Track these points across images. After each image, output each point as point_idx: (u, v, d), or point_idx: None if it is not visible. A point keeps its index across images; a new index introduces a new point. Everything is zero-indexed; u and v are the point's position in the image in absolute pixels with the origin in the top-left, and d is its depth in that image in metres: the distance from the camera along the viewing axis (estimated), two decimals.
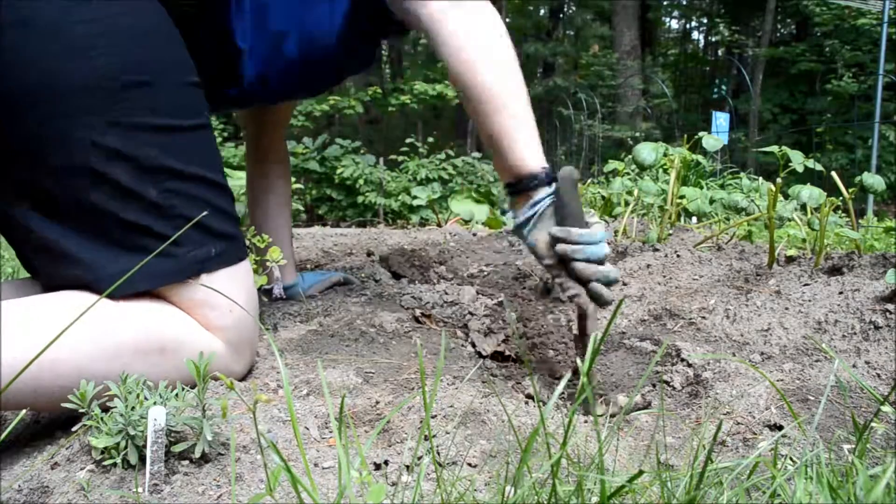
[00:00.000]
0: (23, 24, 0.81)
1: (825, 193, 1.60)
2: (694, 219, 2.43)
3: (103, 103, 0.83)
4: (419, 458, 0.71)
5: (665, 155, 1.90)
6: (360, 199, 6.40)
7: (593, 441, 0.83)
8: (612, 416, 0.94)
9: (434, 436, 0.77)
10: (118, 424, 0.68)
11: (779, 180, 1.51)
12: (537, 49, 16.24)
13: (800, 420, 0.75)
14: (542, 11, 18.08)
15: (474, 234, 2.44)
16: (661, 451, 0.81)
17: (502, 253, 2.14)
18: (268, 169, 1.49)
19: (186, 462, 0.69)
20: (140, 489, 0.65)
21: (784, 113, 13.65)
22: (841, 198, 1.54)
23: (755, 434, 0.86)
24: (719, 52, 18.51)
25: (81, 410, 0.70)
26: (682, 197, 2.15)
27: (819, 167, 1.64)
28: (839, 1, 10.37)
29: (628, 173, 2.48)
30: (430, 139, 7.26)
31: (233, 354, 0.92)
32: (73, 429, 0.73)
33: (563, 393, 1.02)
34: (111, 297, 0.83)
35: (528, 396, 1.01)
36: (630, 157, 2.02)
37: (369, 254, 2.07)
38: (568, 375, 0.62)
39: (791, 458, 0.74)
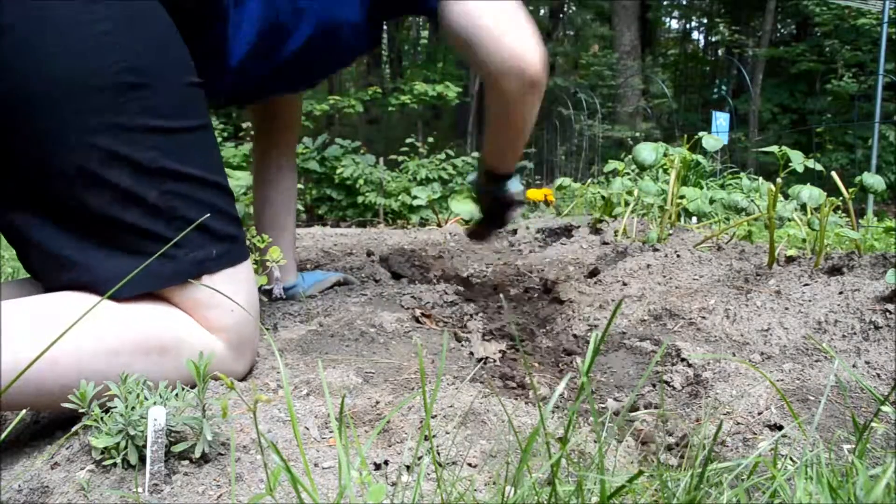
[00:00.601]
0: (25, 25, 0.81)
1: (825, 193, 1.60)
2: (694, 219, 2.43)
3: (103, 105, 0.83)
4: (419, 458, 0.71)
5: (665, 155, 1.90)
6: (360, 199, 6.39)
7: (592, 441, 0.83)
8: (616, 414, 0.94)
9: (434, 436, 0.77)
10: (118, 424, 0.68)
11: (779, 180, 1.51)
12: None
13: (800, 420, 0.75)
14: (542, 11, 18.07)
15: None
16: (660, 451, 0.81)
17: (502, 253, 2.14)
18: (276, 170, 1.50)
19: (186, 462, 0.69)
20: (140, 489, 0.65)
21: (784, 113, 13.65)
22: (841, 198, 1.54)
23: (755, 434, 0.86)
24: (719, 52, 18.51)
25: (81, 410, 0.70)
26: (682, 197, 2.15)
27: (819, 167, 1.64)
28: (839, 1, 10.36)
29: (628, 173, 2.48)
30: (430, 139, 7.26)
31: (233, 354, 0.92)
32: (73, 429, 0.72)
33: (562, 393, 1.02)
34: (111, 299, 0.83)
35: (526, 395, 1.01)
36: (630, 157, 2.02)
37: (369, 254, 2.07)
38: (568, 376, 0.62)
39: (791, 458, 0.74)
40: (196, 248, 0.88)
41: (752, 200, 2.05)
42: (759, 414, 0.90)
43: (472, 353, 1.11)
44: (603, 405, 1.00)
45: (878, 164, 7.39)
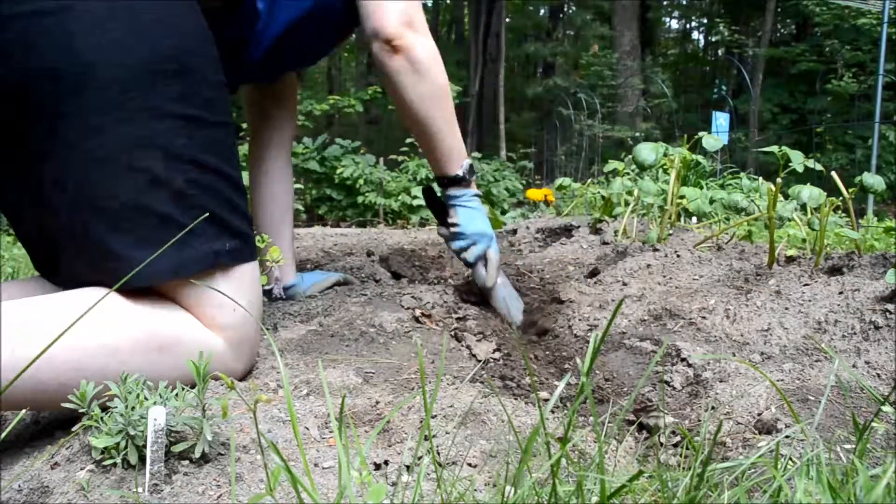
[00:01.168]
0: (67, 9, 0.82)
1: (825, 193, 1.60)
2: (694, 219, 2.43)
3: (141, 89, 0.85)
4: (419, 458, 0.71)
5: (665, 155, 1.90)
6: (360, 199, 6.39)
7: (592, 441, 0.83)
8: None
9: (434, 436, 0.77)
10: (118, 424, 0.68)
11: (779, 180, 1.51)
12: (537, 49, 16.24)
13: (800, 420, 0.75)
14: (542, 11, 18.08)
15: None
16: (660, 451, 0.81)
17: (502, 253, 2.14)
18: (271, 170, 1.51)
19: (186, 462, 0.69)
20: (140, 489, 0.65)
21: (784, 113, 13.65)
22: (841, 198, 1.53)
23: (755, 434, 0.86)
24: (719, 52, 18.50)
25: (81, 410, 0.70)
26: (682, 197, 2.15)
27: (819, 167, 1.64)
28: (839, 1, 10.36)
29: (628, 173, 2.48)
30: None
31: (233, 354, 0.93)
32: (73, 429, 0.72)
33: (562, 393, 1.02)
34: (128, 289, 0.83)
35: (526, 395, 1.01)
36: (630, 157, 2.02)
37: (369, 254, 2.07)
38: (568, 376, 0.62)
39: (791, 459, 0.74)
40: (212, 239, 0.89)
41: (752, 200, 2.05)
42: (759, 414, 0.90)
43: (472, 354, 1.11)
44: (603, 405, 1.00)
45: (878, 164, 7.39)
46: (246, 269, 0.95)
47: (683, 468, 0.74)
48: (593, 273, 1.60)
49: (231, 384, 0.63)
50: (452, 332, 1.27)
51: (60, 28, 0.82)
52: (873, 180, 1.57)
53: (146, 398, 0.70)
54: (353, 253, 2.16)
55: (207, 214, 0.87)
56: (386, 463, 0.71)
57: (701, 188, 2.64)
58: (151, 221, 0.86)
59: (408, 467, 0.70)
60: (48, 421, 0.90)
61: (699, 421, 0.91)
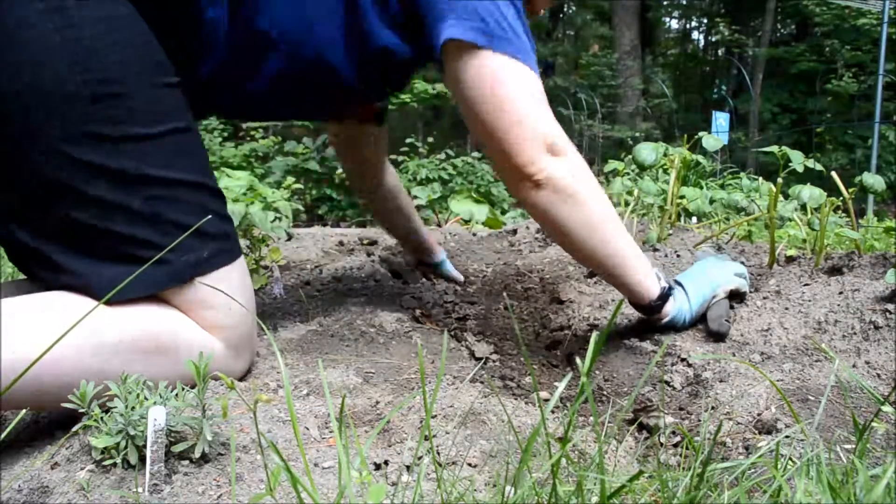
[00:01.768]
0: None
1: (825, 193, 1.59)
2: (694, 219, 2.42)
3: (76, 115, 0.83)
4: (419, 458, 0.71)
5: (665, 155, 1.89)
6: (360, 199, 6.38)
7: (592, 441, 0.83)
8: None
9: (434, 436, 0.77)
10: (118, 424, 0.68)
11: (779, 180, 1.51)
12: (537, 49, 16.23)
13: (800, 420, 0.75)
14: (542, 11, 18.05)
15: (474, 234, 2.44)
16: (660, 451, 0.81)
17: (502, 253, 2.14)
18: (386, 190, 1.61)
19: (186, 462, 0.69)
20: (140, 489, 0.65)
21: (784, 113, 13.65)
22: (841, 198, 1.53)
23: (755, 434, 0.86)
24: (719, 52, 18.51)
25: (81, 410, 0.70)
26: (682, 197, 2.15)
27: (819, 167, 1.64)
28: (839, 1, 10.36)
29: (628, 173, 2.48)
30: (430, 139, 7.26)
31: (232, 354, 0.92)
32: (73, 429, 0.72)
33: (562, 393, 1.02)
34: (108, 305, 0.83)
35: (526, 395, 1.01)
36: (630, 157, 2.02)
37: (369, 254, 2.07)
38: (568, 376, 0.62)
39: (791, 459, 0.74)
40: (188, 250, 0.88)
41: (753, 200, 2.05)
42: (759, 414, 0.90)
43: (472, 354, 1.11)
44: (603, 405, 1.00)
45: (878, 164, 7.39)
46: (232, 270, 0.94)
47: (683, 468, 0.74)
48: (593, 273, 1.60)
49: (231, 384, 0.63)
50: (452, 332, 1.27)
51: None
52: (873, 180, 1.57)
53: (146, 398, 0.70)
54: (353, 253, 2.16)
55: (186, 233, 0.85)
56: (386, 463, 0.71)
57: (701, 188, 2.64)
58: (112, 243, 0.85)
59: (408, 467, 0.70)
60: (48, 421, 0.90)
61: (699, 421, 0.91)
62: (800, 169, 1.56)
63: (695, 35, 20.62)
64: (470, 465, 0.72)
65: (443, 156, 6.89)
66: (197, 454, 0.68)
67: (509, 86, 1.00)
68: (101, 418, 0.69)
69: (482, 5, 0.99)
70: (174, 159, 0.90)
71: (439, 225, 3.36)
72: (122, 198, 0.85)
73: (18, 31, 0.81)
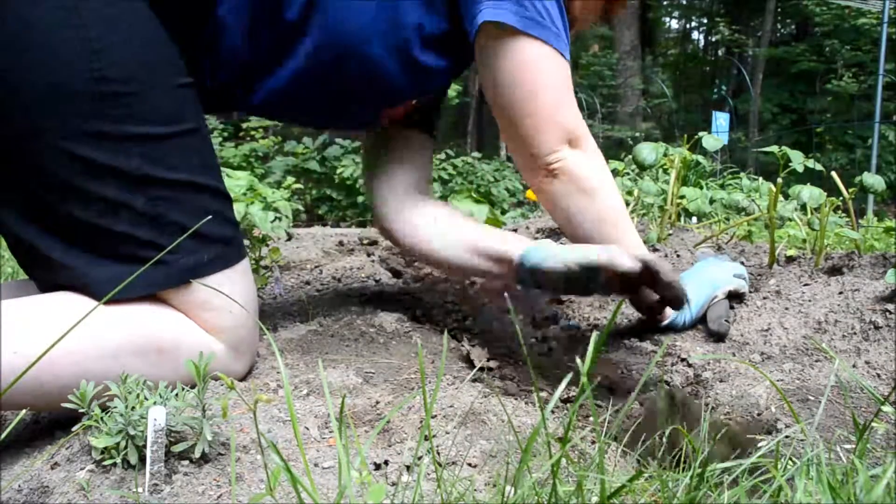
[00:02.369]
0: (7, 31, 0.80)
1: (825, 193, 1.60)
2: (694, 219, 2.43)
3: (84, 114, 0.82)
4: (419, 458, 0.71)
5: (665, 155, 1.90)
6: (360, 199, 6.39)
7: (592, 441, 0.83)
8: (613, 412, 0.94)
9: (434, 436, 0.77)
10: (118, 424, 0.68)
11: (779, 180, 1.51)
12: None
13: (800, 420, 0.75)
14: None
15: None
16: (660, 451, 0.81)
17: None
18: (430, 207, 1.25)
19: (186, 462, 0.69)
20: (140, 489, 0.65)
21: (784, 113, 13.65)
22: (841, 198, 1.53)
23: (755, 434, 0.86)
24: (719, 52, 18.51)
25: (81, 410, 0.70)
26: (682, 197, 2.15)
27: (819, 167, 1.64)
28: (839, 1, 10.36)
29: (628, 173, 2.48)
30: None
31: (232, 355, 0.92)
32: (73, 429, 0.73)
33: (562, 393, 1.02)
34: (106, 304, 0.83)
35: (526, 395, 1.01)
36: (630, 157, 2.02)
37: (369, 254, 2.07)
38: (569, 376, 0.62)
39: (791, 459, 0.74)
40: (188, 253, 0.88)
41: (753, 200, 2.06)
42: (759, 414, 0.90)
43: (467, 358, 1.11)
44: (603, 405, 1.00)
45: (878, 164, 7.39)
46: (234, 273, 0.94)
47: (683, 468, 0.74)
48: None
49: (231, 384, 0.63)
50: (452, 333, 1.27)
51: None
52: (873, 180, 1.57)
53: (146, 398, 0.70)
54: (353, 253, 2.16)
55: (185, 234, 0.85)
56: (386, 463, 0.71)
57: (701, 188, 2.64)
58: (112, 242, 0.85)
59: (408, 467, 0.70)
60: (48, 421, 0.89)
61: (699, 421, 0.91)
62: (800, 169, 1.56)
63: (695, 35, 20.63)
64: (470, 465, 0.72)
65: (443, 156, 6.89)
66: (197, 454, 0.68)
67: (542, 73, 1.00)
68: (101, 418, 0.69)
69: None
70: (181, 160, 0.89)
71: None
72: (125, 197, 0.84)
73: (29, 27, 0.81)
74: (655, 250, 1.69)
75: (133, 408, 0.69)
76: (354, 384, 0.94)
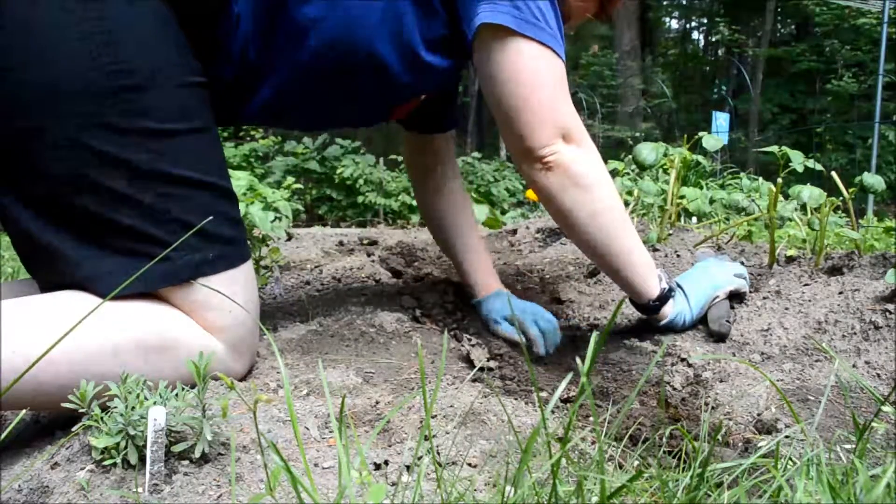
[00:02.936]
0: (22, 24, 0.81)
1: (825, 193, 1.60)
2: (694, 219, 2.43)
3: (97, 107, 0.83)
4: (419, 458, 0.71)
5: (665, 155, 1.90)
6: (360, 199, 6.40)
7: (592, 441, 0.83)
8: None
9: (434, 436, 0.77)
10: (118, 424, 0.68)
11: (779, 180, 1.51)
12: None
13: (800, 420, 0.75)
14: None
15: None
16: (660, 451, 0.80)
17: (502, 253, 2.14)
18: (448, 194, 1.39)
19: (186, 462, 0.69)
20: (140, 489, 0.65)
21: (784, 113, 13.66)
22: (841, 198, 1.53)
23: (755, 434, 0.86)
24: (719, 52, 18.51)
25: (81, 410, 0.70)
26: (682, 197, 2.15)
27: (819, 167, 1.64)
28: (839, 1, 10.36)
29: (628, 173, 2.48)
30: None
31: (232, 355, 0.92)
32: (73, 429, 0.73)
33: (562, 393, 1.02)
34: (103, 297, 0.83)
35: (526, 395, 1.00)
36: (630, 157, 2.02)
37: (369, 254, 2.07)
38: (569, 376, 0.62)
39: (791, 459, 0.74)
40: (192, 250, 0.88)
41: (753, 200, 2.06)
42: (759, 414, 0.90)
43: (467, 358, 1.11)
44: (603, 405, 1.00)
45: (878, 164, 7.39)
46: (237, 273, 0.94)
47: (683, 468, 0.74)
48: (593, 273, 1.60)
49: (231, 384, 0.63)
50: (452, 333, 1.27)
51: (14, 45, 0.80)
52: (873, 180, 1.57)
53: (146, 398, 0.70)
54: (353, 253, 2.16)
55: (184, 229, 0.85)
56: (386, 463, 0.71)
57: (701, 188, 2.64)
58: (117, 235, 0.85)
59: (408, 467, 0.70)
60: (48, 421, 0.90)
61: (699, 421, 0.91)
62: (800, 169, 1.56)
63: (695, 35, 20.63)
64: (470, 465, 0.72)
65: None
66: (197, 454, 0.68)
67: (536, 71, 1.03)
68: (101, 418, 0.69)
69: None
70: (191, 158, 0.90)
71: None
72: (134, 191, 0.85)
73: (44, 21, 0.82)
74: (655, 250, 1.69)
75: (133, 408, 0.68)
76: (354, 384, 0.94)
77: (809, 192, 1.59)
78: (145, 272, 0.78)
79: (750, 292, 1.31)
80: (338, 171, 6.45)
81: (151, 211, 0.86)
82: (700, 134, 1.89)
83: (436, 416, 0.83)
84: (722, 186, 3.01)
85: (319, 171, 6.57)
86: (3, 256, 2.49)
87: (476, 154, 7.81)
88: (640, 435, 0.87)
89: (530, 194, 3.89)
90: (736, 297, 1.28)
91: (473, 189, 6.76)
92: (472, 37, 1.04)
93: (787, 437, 0.81)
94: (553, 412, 0.94)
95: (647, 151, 1.83)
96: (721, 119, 6.93)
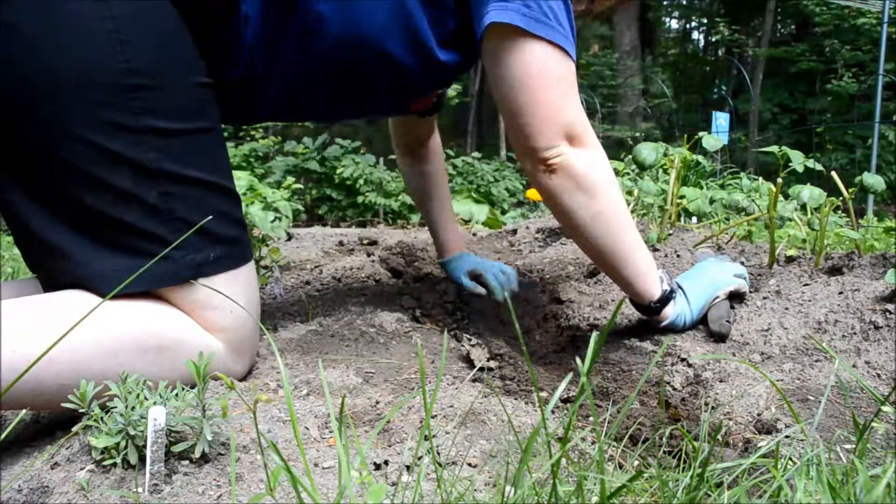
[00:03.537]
0: (28, 22, 0.81)
1: (825, 193, 1.60)
2: (694, 219, 2.42)
3: (106, 105, 0.83)
4: (419, 458, 0.71)
5: (665, 155, 1.90)
6: (360, 199, 6.40)
7: (592, 441, 0.83)
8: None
9: (434, 436, 0.77)
10: (118, 424, 0.68)
11: (779, 180, 1.51)
12: None
13: (800, 420, 0.75)
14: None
15: (474, 234, 2.44)
16: (660, 451, 0.81)
17: (502, 253, 2.14)
18: (429, 169, 1.57)
19: (186, 462, 0.69)
20: (140, 489, 0.65)
21: (784, 113, 13.66)
22: (841, 198, 1.53)
23: (755, 434, 0.86)
24: (719, 52, 18.50)
25: (81, 410, 0.70)
26: (682, 197, 2.15)
27: (819, 167, 1.64)
28: (839, 1, 10.37)
29: (628, 173, 2.48)
30: None
31: (233, 355, 0.92)
32: (73, 429, 0.73)
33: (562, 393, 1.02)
34: (103, 295, 0.83)
35: (526, 395, 1.00)
36: (630, 157, 2.02)
37: (369, 254, 2.07)
38: (569, 376, 0.62)
39: (791, 459, 0.74)
40: (194, 250, 0.88)
41: (753, 200, 2.05)
42: (759, 414, 0.90)
43: (467, 358, 1.11)
44: (603, 405, 1.00)
45: (878, 164, 7.40)
46: (238, 273, 0.94)
47: (683, 468, 0.74)
48: (593, 273, 1.60)
49: (231, 384, 0.63)
50: (452, 333, 1.27)
51: (30, 40, 0.81)
52: (873, 180, 1.57)
53: (146, 398, 0.70)
54: (353, 253, 2.16)
55: (190, 231, 0.85)
56: (386, 463, 0.71)
57: (701, 188, 2.64)
58: (120, 233, 0.85)
59: (408, 467, 0.70)
60: (48, 421, 0.90)
61: (699, 421, 0.91)
62: (800, 169, 1.56)
63: (695, 35, 20.62)
64: (470, 465, 0.72)
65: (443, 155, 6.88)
66: (197, 454, 0.68)
67: (546, 71, 1.02)
68: (101, 418, 0.69)
69: None
70: (195, 158, 0.90)
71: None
72: (139, 189, 0.85)
73: (59, 16, 0.82)
74: (655, 250, 1.69)
75: (133, 408, 0.69)
76: (354, 384, 0.94)
77: (809, 192, 1.59)
78: (147, 271, 0.78)
79: (750, 292, 1.31)
80: (338, 171, 6.45)
81: (155, 210, 0.86)
82: (700, 134, 1.89)
83: (436, 416, 0.83)
84: (722, 186, 3.01)
85: (319, 171, 6.57)
86: (3, 256, 2.49)
87: (476, 154, 7.81)
88: (640, 435, 0.87)
89: (530, 194, 3.90)
90: (736, 297, 1.28)
91: (473, 189, 6.76)
92: (482, 36, 1.04)
93: (787, 437, 0.81)
94: (553, 412, 0.94)
95: (647, 151, 1.83)
96: (721, 119, 6.93)
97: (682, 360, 1.11)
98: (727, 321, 1.19)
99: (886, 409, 0.81)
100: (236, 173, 1.66)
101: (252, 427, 0.78)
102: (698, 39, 20.50)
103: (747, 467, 0.65)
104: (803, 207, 1.75)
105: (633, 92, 13.39)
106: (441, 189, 1.59)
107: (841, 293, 1.20)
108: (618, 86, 13.42)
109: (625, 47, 13.39)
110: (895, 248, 2.12)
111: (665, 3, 17.98)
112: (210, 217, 0.88)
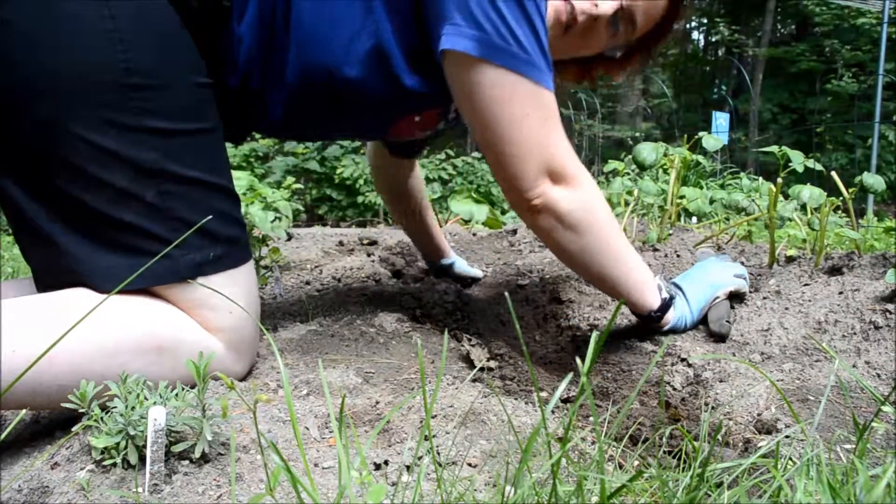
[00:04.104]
0: (28, 20, 0.81)
1: (825, 193, 1.60)
2: (694, 219, 2.42)
3: (105, 104, 0.83)
4: (419, 458, 0.71)
5: (665, 155, 1.90)
6: (360, 199, 6.39)
7: (592, 441, 0.83)
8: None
9: (434, 436, 0.77)
10: (118, 424, 0.68)
11: (779, 180, 1.51)
12: None
13: (800, 420, 0.75)
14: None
15: (474, 234, 2.44)
16: (660, 451, 0.81)
17: (502, 253, 2.14)
18: (409, 187, 1.61)
19: (186, 462, 0.69)
20: (140, 489, 0.65)
21: (784, 113, 13.66)
22: (841, 198, 1.53)
23: (755, 434, 0.86)
24: (719, 52, 18.51)
25: (81, 410, 0.70)
26: (682, 197, 2.15)
27: (819, 167, 1.64)
28: (839, 1, 10.36)
29: (628, 173, 2.48)
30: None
31: (232, 355, 0.92)
32: (73, 429, 0.73)
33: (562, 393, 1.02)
34: (102, 293, 0.83)
35: (526, 395, 1.00)
36: (630, 157, 2.02)
37: (369, 254, 2.07)
38: (569, 376, 0.62)
39: (791, 459, 0.74)
40: (193, 249, 0.88)
41: (753, 200, 2.06)
42: (759, 414, 0.90)
43: (467, 358, 1.11)
44: (603, 405, 1.00)
45: (878, 164, 7.40)
46: (238, 273, 0.94)
47: (683, 468, 0.74)
48: None
49: (231, 384, 0.63)
50: (452, 333, 1.27)
51: (13, 42, 0.81)
52: (873, 180, 1.57)
53: (146, 398, 0.70)
54: (353, 253, 2.16)
55: (191, 230, 0.85)
56: (386, 463, 0.71)
57: (701, 188, 2.64)
58: (119, 232, 0.85)
59: (408, 467, 0.70)
60: (48, 421, 0.90)
61: (699, 421, 0.91)
62: (800, 169, 1.56)
63: (695, 35, 20.61)
64: (470, 465, 0.72)
65: (443, 156, 6.89)
66: (197, 454, 0.68)
67: (507, 104, 0.94)
68: (101, 418, 0.69)
69: (482, 9, 0.91)
70: (196, 158, 0.90)
71: (439, 225, 3.35)
72: (137, 188, 0.85)
73: (60, 14, 0.82)
74: (655, 250, 1.69)
75: (133, 408, 0.69)
76: (354, 384, 0.94)
77: (809, 192, 1.59)
78: (146, 269, 0.78)
79: (750, 292, 1.31)
80: (338, 171, 6.45)
81: (154, 208, 0.86)
82: (700, 134, 1.89)
83: (436, 416, 0.83)
84: (722, 186, 3.01)
85: (319, 171, 6.57)
86: (3, 256, 2.49)
87: (476, 154, 7.81)
88: (640, 435, 0.87)
89: None
90: (736, 298, 1.28)
91: (473, 189, 6.76)
92: (440, 62, 0.97)
93: (787, 437, 0.81)
94: (553, 412, 0.94)
95: (647, 151, 1.83)
96: (721, 119, 6.93)
97: (682, 360, 1.11)
98: (727, 321, 1.19)
99: (886, 409, 0.81)
100: (236, 173, 1.66)
101: (252, 427, 0.78)
102: (698, 39, 20.49)
103: (747, 467, 0.65)
104: (803, 207, 1.75)
105: (633, 92, 13.39)
106: (428, 212, 1.67)
107: (841, 293, 1.20)
108: (618, 86, 13.41)
109: None
110: (895, 248, 2.12)
111: None
112: (210, 217, 0.87)
